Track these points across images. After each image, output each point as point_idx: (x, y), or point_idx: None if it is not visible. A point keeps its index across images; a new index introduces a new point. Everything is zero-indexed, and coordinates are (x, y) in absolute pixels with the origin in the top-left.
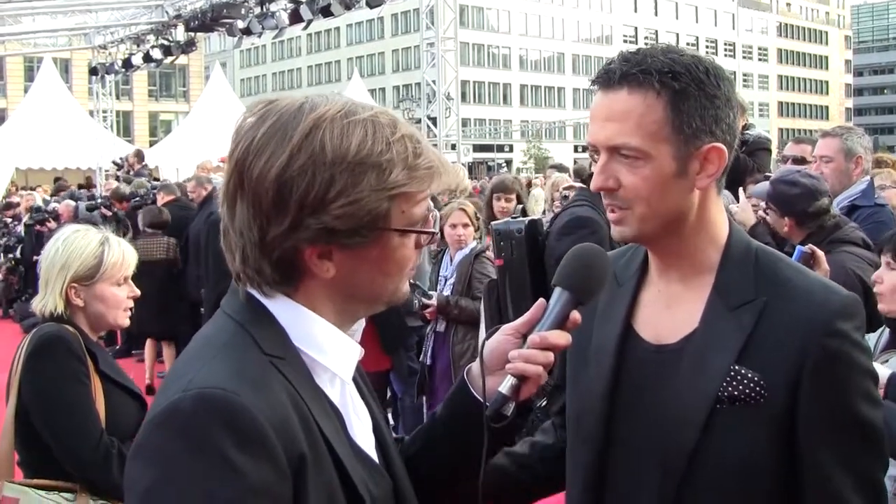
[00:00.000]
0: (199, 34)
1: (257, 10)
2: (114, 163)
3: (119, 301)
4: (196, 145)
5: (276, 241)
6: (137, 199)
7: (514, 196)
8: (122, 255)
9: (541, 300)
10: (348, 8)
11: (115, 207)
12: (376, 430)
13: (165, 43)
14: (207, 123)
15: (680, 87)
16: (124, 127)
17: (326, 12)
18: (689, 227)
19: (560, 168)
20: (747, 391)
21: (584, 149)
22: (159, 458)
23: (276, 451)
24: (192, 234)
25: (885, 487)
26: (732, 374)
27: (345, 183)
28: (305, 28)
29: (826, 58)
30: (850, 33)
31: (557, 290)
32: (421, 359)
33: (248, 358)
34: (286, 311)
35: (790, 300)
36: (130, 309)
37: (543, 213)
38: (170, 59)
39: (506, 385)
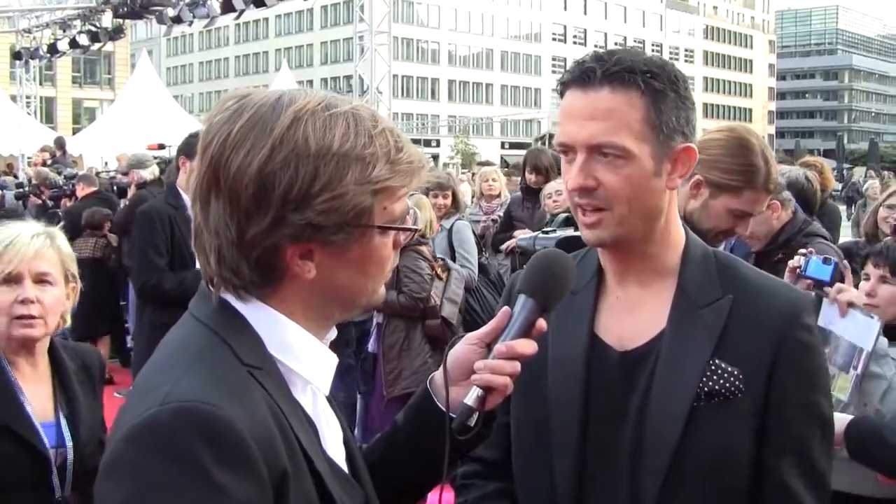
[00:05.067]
0: (126, 21)
1: None
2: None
3: None
4: (121, 134)
5: (255, 239)
6: (56, 189)
7: (450, 193)
8: None
9: (505, 308)
10: None
11: (44, 196)
12: (345, 441)
13: (93, 29)
14: (133, 112)
15: (659, 87)
16: (47, 113)
17: (259, 2)
18: (658, 230)
19: (488, 165)
20: (727, 385)
21: (512, 145)
22: (135, 473)
23: (258, 466)
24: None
25: (829, 482)
26: (712, 368)
27: (329, 176)
28: (237, 18)
29: (751, 61)
30: (773, 38)
31: (522, 298)
32: (369, 348)
33: (227, 368)
34: (261, 317)
35: (757, 297)
36: (31, 316)
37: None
38: (97, 45)
39: (471, 396)
